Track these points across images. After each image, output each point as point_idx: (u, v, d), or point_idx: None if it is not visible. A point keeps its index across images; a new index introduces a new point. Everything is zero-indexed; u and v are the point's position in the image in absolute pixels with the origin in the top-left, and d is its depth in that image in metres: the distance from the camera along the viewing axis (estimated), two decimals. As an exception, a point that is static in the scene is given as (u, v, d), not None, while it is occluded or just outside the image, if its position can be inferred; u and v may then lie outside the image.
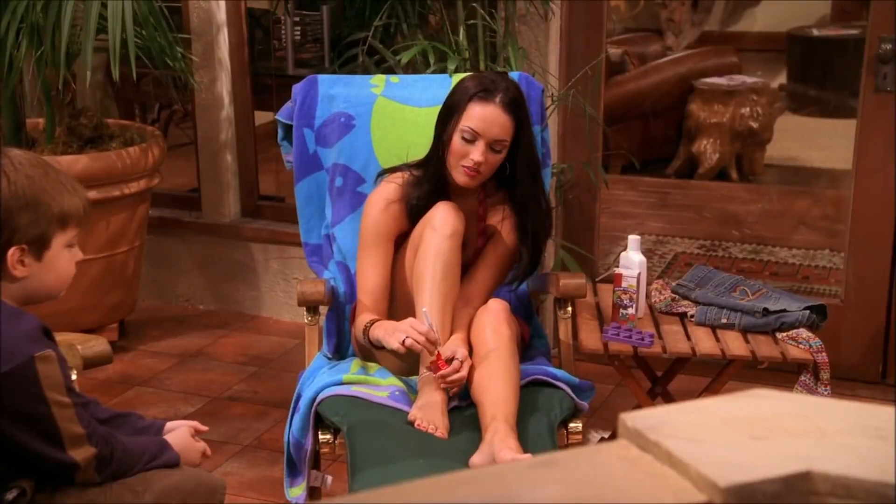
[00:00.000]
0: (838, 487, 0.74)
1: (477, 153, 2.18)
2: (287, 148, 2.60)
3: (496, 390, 2.06)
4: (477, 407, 2.09)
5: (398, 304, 2.28)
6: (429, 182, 2.27)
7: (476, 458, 1.97)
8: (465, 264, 2.31)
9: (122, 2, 2.94)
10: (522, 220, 2.31)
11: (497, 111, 2.18)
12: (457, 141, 2.20)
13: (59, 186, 1.67)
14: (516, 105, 2.20)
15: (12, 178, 1.62)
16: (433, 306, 2.13)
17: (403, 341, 2.04)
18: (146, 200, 3.52)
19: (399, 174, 2.33)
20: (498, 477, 0.80)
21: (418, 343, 2.04)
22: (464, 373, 2.09)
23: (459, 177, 2.22)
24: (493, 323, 2.15)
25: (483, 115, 2.17)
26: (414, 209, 2.27)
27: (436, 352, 2.08)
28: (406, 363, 2.28)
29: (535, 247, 2.33)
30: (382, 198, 2.30)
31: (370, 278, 2.28)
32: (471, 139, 2.18)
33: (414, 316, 2.17)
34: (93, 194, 3.22)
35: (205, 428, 1.93)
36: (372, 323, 2.19)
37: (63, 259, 1.69)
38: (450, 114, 2.23)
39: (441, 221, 2.16)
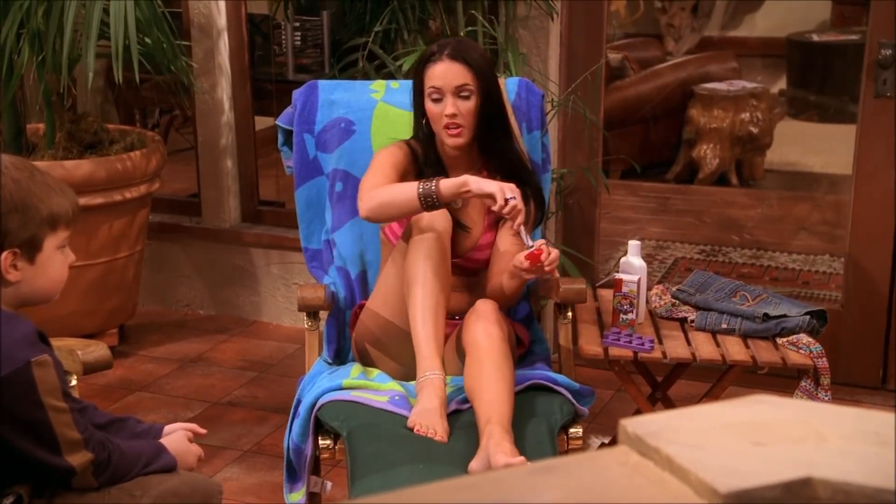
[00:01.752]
0: (839, 493, 0.74)
1: (449, 106, 2.26)
2: (287, 153, 2.60)
3: (489, 393, 2.05)
4: (473, 409, 2.09)
5: (395, 308, 2.27)
6: (426, 166, 2.32)
7: (474, 464, 1.96)
8: (476, 244, 2.33)
9: (125, 6, 2.94)
10: (510, 171, 2.34)
11: (447, 63, 2.27)
12: (430, 107, 2.29)
13: (47, 188, 1.67)
14: (463, 52, 2.28)
15: None
16: (426, 308, 2.13)
17: (506, 198, 2.07)
18: (146, 205, 3.52)
19: (402, 142, 2.36)
20: (498, 483, 0.80)
21: (516, 207, 2.08)
22: (555, 253, 2.14)
23: (448, 140, 2.29)
24: (484, 324, 2.15)
25: (438, 72, 2.27)
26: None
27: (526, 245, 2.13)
28: (405, 367, 2.28)
29: (527, 187, 2.35)
30: (400, 149, 2.33)
31: (385, 172, 2.25)
32: (438, 97, 2.27)
33: (407, 321, 2.17)
34: (93, 199, 3.24)
35: (203, 431, 1.93)
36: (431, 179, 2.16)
37: (56, 261, 1.69)
38: (416, 89, 2.33)
39: (427, 223, 2.18)
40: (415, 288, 2.15)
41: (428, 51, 2.34)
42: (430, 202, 2.13)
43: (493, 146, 2.35)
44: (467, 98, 2.27)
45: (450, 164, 2.35)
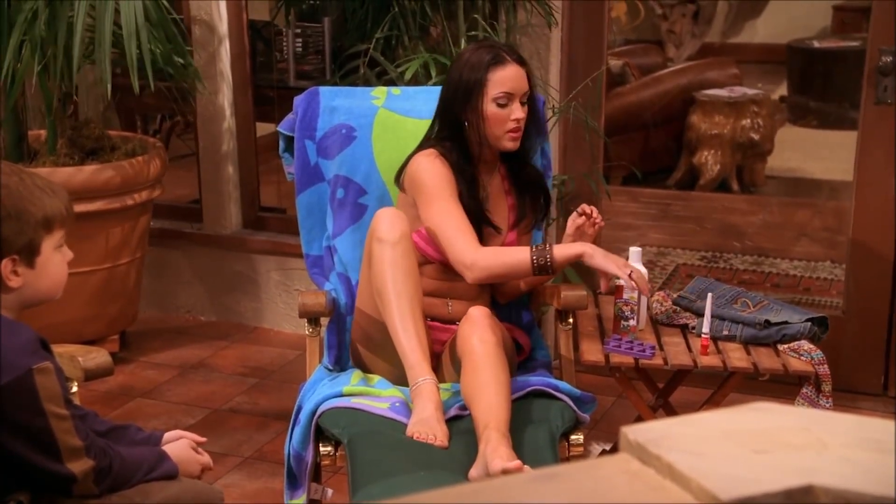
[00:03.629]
0: (840, 501, 0.74)
1: (518, 111, 2.28)
2: (289, 160, 2.60)
3: (486, 398, 2.04)
4: (471, 415, 2.08)
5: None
6: (456, 167, 2.30)
7: (474, 472, 1.95)
8: (503, 243, 2.35)
9: (136, 13, 2.95)
10: (527, 176, 2.42)
11: (516, 68, 2.29)
12: (492, 111, 2.27)
13: (38, 191, 1.66)
14: (522, 57, 2.33)
15: None
16: (404, 318, 2.12)
17: (630, 274, 2.16)
18: (148, 212, 3.52)
19: (433, 151, 2.33)
20: (499, 490, 0.80)
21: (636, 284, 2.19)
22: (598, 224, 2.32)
23: (507, 143, 2.30)
24: (479, 331, 2.13)
25: (510, 76, 2.27)
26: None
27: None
28: (399, 369, 2.27)
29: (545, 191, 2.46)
30: (435, 157, 2.30)
31: (465, 220, 2.25)
32: (506, 102, 2.27)
33: (386, 330, 2.17)
34: (94, 206, 3.24)
35: (202, 439, 1.93)
36: (538, 245, 2.21)
37: (55, 262, 1.69)
38: (470, 91, 2.27)
39: (386, 230, 2.16)
40: (387, 297, 2.14)
41: (483, 54, 2.29)
42: (544, 271, 2.20)
43: (519, 151, 2.36)
44: (525, 104, 2.30)
45: (482, 169, 2.36)
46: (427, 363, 2.11)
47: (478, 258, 2.20)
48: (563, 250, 2.19)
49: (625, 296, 2.45)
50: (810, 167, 5.97)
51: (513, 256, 2.21)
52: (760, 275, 4.28)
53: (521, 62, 2.30)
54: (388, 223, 2.17)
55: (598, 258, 2.17)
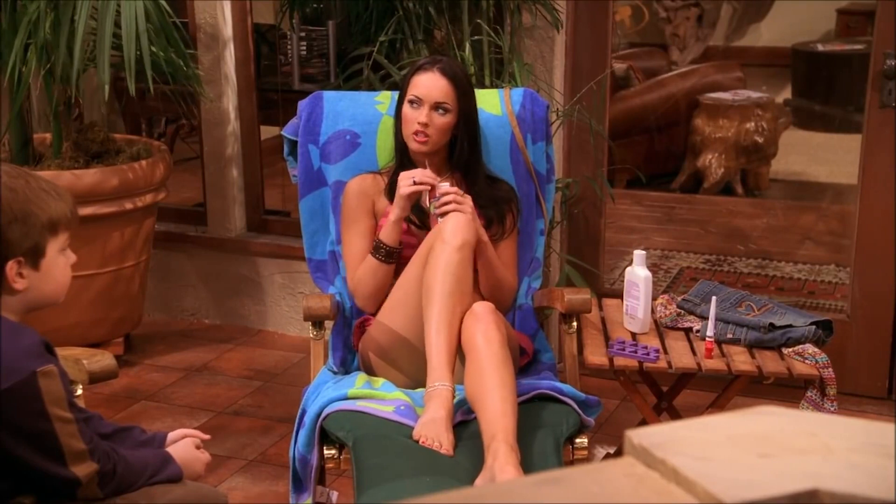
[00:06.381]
0: (845, 505, 0.74)
1: (421, 115, 2.36)
2: (293, 163, 2.61)
3: (493, 405, 2.02)
4: (477, 420, 2.08)
5: (403, 319, 2.27)
6: (401, 167, 2.42)
7: (480, 482, 1.94)
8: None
9: (136, 16, 2.95)
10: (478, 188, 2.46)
11: (436, 76, 2.37)
12: (406, 110, 2.39)
13: (44, 194, 1.67)
14: (454, 72, 2.40)
15: None
16: (441, 320, 2.12)
17: (414, 182, 2.26)
18: (152, 215, 3.53)
19: (365, 174, 2.51)
20: (503, 494, 0.80)
21: (424, 180, 2.26)
22: (465, 208, 2.24)
23: (412, 144, 2.39)
24: (483, 327, 2.12)
25: (424, 81, 2.37)
26: (391, 185, 2.41)
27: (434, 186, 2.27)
28: (409, 378, 2.27)
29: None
30: (356, 181, 2.47)
31: (358, 252, 2.41)
32: (416, 104, 2.37)
33: (421, 326, 2.17)
34: (99, 209, 3.25)
35: (206, 436, 1.93)
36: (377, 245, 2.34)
37: (59, 265, 1.70)
38: (401, 94, 2.42)
39: (451, 233, 2.17)
40: (433, 298, 2.14)
41: (420, 61, 2.45)
42: (383, 253, 2.33)
43: (461, 164, 2.43)
44: (443, 114, 2.36)
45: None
46: (449, 369, 2.11)
47: (352, 280, 2.41)
48: (385, 226, 2.33)
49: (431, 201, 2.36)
50: (814, 170, 5.96)
51: (363, 269, 2.38)
52: (765, 278, 4.27)
53: (446, 72, 2.37)
54: (453, 228, 2.20)
55: (394, 207, 2.31)
